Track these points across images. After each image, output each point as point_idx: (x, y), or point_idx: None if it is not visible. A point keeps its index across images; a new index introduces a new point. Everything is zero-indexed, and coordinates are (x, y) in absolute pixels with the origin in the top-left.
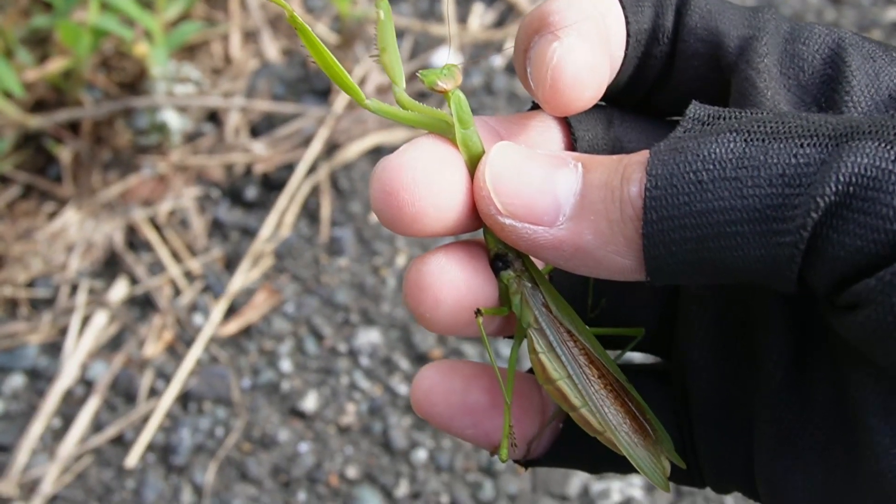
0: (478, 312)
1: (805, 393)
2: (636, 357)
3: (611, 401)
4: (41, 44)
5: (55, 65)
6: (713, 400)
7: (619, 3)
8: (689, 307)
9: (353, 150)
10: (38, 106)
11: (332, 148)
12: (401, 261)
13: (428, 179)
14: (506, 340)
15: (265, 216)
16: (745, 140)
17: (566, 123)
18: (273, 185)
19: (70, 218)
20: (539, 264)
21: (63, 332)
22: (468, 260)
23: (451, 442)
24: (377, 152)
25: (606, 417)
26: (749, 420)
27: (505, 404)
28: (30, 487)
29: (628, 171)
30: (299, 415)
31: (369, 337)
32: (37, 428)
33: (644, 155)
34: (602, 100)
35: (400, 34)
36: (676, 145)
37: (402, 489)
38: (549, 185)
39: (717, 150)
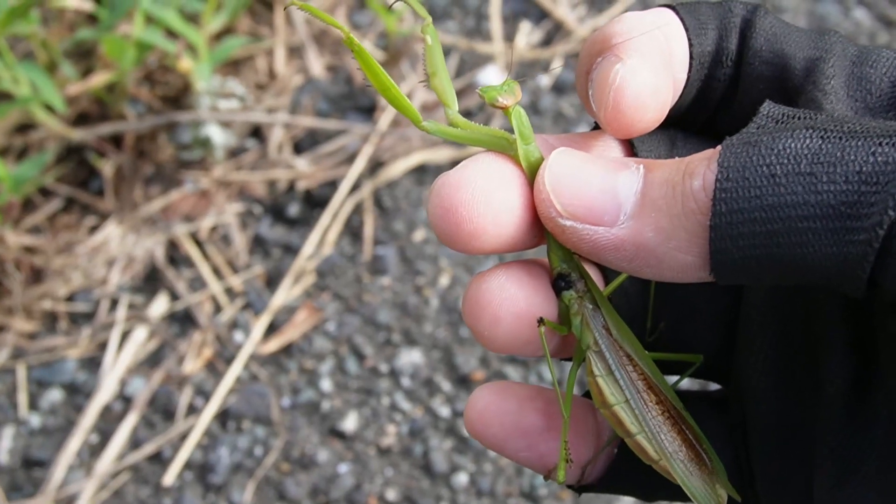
0: (540, 322)
1: (866, 419)
2: (692, 384)
3: (668, 428)
4: (85, 57)
5: (99, 78)
6: (772, 427)
7: (683, 26)
8: (749, 331)
9: (397, 168)
10: (82, 119)
11: (375, 165)
12: (444, 281)
13: (487, 196)
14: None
15: (308, 233)
16: (822, 137)
17: (629, 144)
18: (316, 202)
19: (111, 232)
20: (600, 285)
21: (102, 346)
22: (528, 278)
23: (493, 466)
24: (421, 171)
25: (663, 444)
26: (809, 448)
27: (563, 422)
28: (66, 503)
29: (691, 167)
30: (339, 435)
31: (411, 357)
32: (74, 443)
33: (709, 152)
34: (665, 122)
35: (446, 52)
36: (750, 139)
37: None
38: (609, 185)
39: (793, 145)
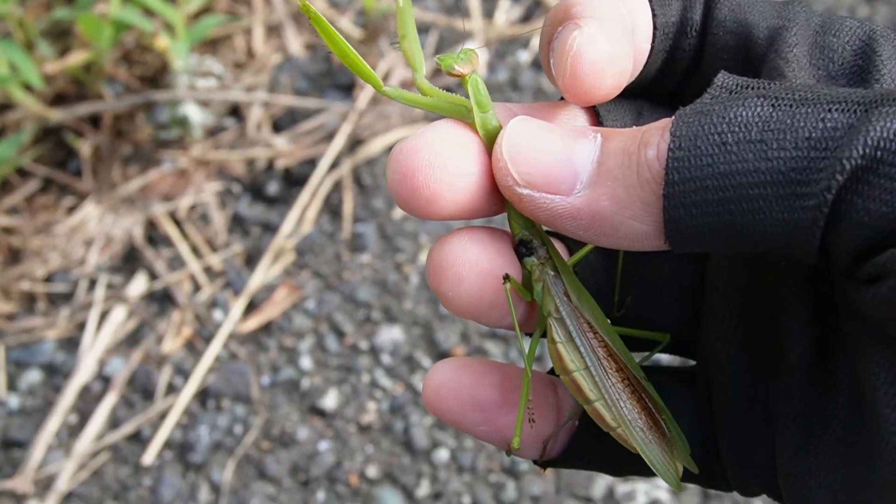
0: (506, 278)
1: (828, 386)
2: (661, 359)
3: (627, 395)
4: (62, 36)
5: (76, 58)
6: (736, 397)
7: None
8: (713, 302)
9: (376, 146)
10: (59, 99)
11: (355, 143)
12: (424, 257)
13: (443, 162)
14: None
15: (287, 212)
16: (773, 105)
17: (595, 114)
18: (295, 180)
19: (89, 212)
20: (565, 255)
21: (81, 327)
22: (492, 241)
23: (474, 442)
24: None
25: (622, 412)
26: (772, 418)
27: (522, 390)
28: (45, 484)
29: (647, 136)
30: (319, 413)
31: (391, 334)
32: (53, 424)
33: (665, 122)
34: (631, 92)
35: (425, 29)
36: (702, 108)
37: (424, 489)
38: (566, 154)
39: (744, 113)
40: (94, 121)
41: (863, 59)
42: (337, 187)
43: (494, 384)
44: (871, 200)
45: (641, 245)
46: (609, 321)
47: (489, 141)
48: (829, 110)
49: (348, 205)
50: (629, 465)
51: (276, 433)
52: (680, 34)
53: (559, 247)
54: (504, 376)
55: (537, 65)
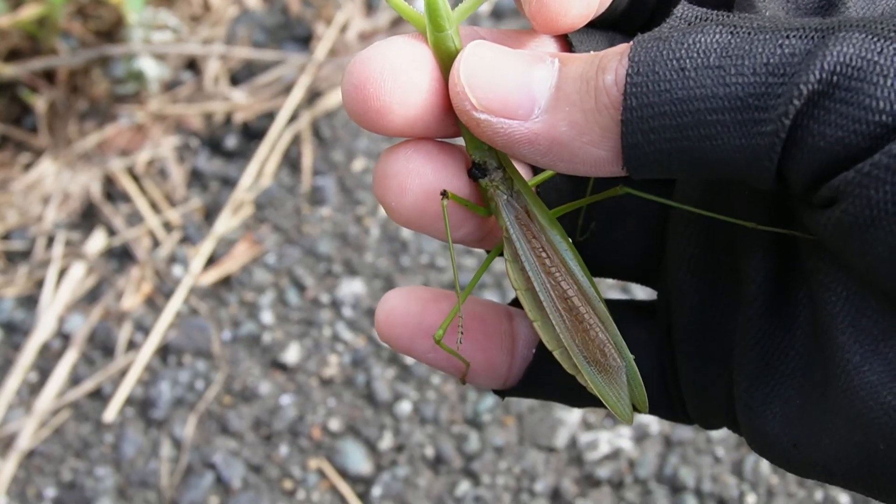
0: (444, 194)
1: (785, 317)
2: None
3: (571, 319)
4: None
5: (29, 11)
6: (696, 328)
7: None
8: (676, 231)
9: (335, 98)
10: (13, 55)
11: (313, 96)
12: (384, 210)
13: (395, 74)
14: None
15: (245, 166)
16: (731, 32)
17: (567, 44)
18: (253, 133)
19: (46, 169)
20: (526, 176)
21: (39, 284)
22: (440, 155)
23: (436, 393)
24: None
25: (563, 335)
26: (731, 349)
27: (456, 292)
28: (6, 442)
29: (604, 62)
30: (281, 367)
31: (352, 287)
32: (13, 382)
33: (623, 47)
34: (603, 25)
35: None
36: (661, 34)
37: (387, 442)
38: (524, 79)
39: (703, 39)
40: (49, 76)
41: None
42: (296, 140)
43: (442, 311)
44: (827, 125)
45: (600, 171)
46: (572, 245)
47: (445, 62)
48: (787, 37)
49: (307, 158)
50: (586, 396)
51: (237, 388)
52: None
53: (523, 168)
54: (452, 304)
55: (496, 15)
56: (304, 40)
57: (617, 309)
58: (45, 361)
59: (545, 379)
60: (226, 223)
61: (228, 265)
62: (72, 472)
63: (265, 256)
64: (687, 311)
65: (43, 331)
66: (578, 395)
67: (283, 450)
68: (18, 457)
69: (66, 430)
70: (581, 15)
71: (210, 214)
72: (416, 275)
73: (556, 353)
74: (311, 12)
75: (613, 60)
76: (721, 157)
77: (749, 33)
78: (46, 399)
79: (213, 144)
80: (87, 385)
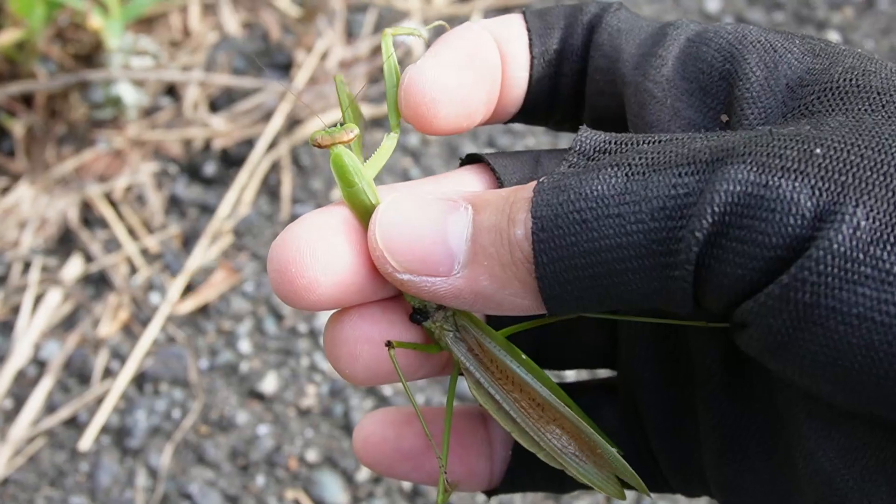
0: (388, 345)
1: (742, 396)
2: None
3: (549, 426)
4: None
5: (8, 36)
6: (661, 410)
7: (526, 28)
8: (626, 323)
9: (314, 126)
10: None
11: (293, 123)
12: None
13: (313, 248)
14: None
15: (224, 193)
16: (626, 174)
17: (490, 171)
18: (232, 160)
19: (23, 193)
20: None
21: (15, 310)
22: (382, 313)
23: None
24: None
25: (549, 444)
26: (697, 425)
27: (444, 446)
28: None
29: (514, 212)
30: (258, 396)
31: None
32: None
33: (529, 192)
34: (525, 119)
35: (363, 8)
36: (559, 183)
37: (364, 473)
38: (440, 234)
39: (599, 188)
40: (27, 100)
41: (731, 64)
42: (275, 168)
43: (417, 433)
44: (727, 264)
45: (528, 313)
46: (528, 360)
47: (363, 216)
48: (680, 174)
49: (287, 186)
50: (570, 482)
51: (214, 417)
52: (562, 60)
53: None
54: (428, 422)
55: None
56: (285, 67)
57: (586, 393)
58: (20, 388)
59: (528, 473)
60: (204, 251)
61: (206, 293)
62: (46, 500)
63: (243, 285)
64: (651, 397)
65: (18, 357)
66: (562, 482)
67: (260, 480)
68: None
69: (41, 459)
70: (456, 114)
71: (188, 241)
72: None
73: (540, 456)
74: (292, 39)
75: (522, 211)
76: (638, 297)
77: (643, 173)
78: (21, 427)
79: (192, 171)
80: (63, 413)
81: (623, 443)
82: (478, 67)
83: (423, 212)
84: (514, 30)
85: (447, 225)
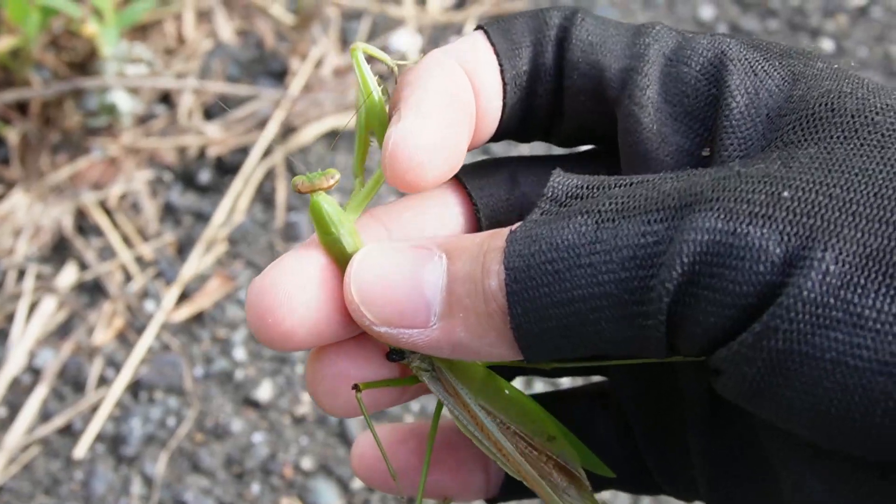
0: (356, 388)
1: (730, 424)
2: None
3: (529, 458)
4: None
5: (2, 43)
6: (652, 428)
7: (494, 51)
8: None
9: (309, 133)
10: None
11: (287, 131)
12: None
13: (290, 296)
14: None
15: (219, 200)
16: (596, 222)
17: (466, 192)
18: (227, 168)
19: (17, 201)
20: None
21: (9, 318)
22: (359, 350)
23: None
24: (334, 135)
25: (529, 474)
26: (688, 446)
27: (424, 463)
28: None
29: (487, 262)
30: (253, 404)
31: None
32: None
33: (502, 241)
34: (499, 140)
35: (357, 15)
36: (531, 232)
37: (359, 481)
38: (415, 286)
39: (570, 237)
40: (22, 108)
41: (715, 87)
42: (270, 176)
43: (412, 450)
44: (699, 313)
45: (508, 360)
46: (509, 394)
47: (340, 263)
48: (649, 222)
49: (281, 193)
50: None
51: (209, 425)
52: (534, 80)
53: None
54: (421, 439)
55: None
56: (279, 75)
57: (580, 399)
58: (15, 396)
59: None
60: (199, 258)
61: (201, 301)
62: None
63: (238, 293)
64: (641, 414)
65: (13, 365)
66: None
67: (255, 488)
68: None
69: (36, 467)
70: (440, 174)
71: (183, 249)
72: None
73: (526, 484)
74: (286, 47)
75: (495, 262)
76: (613, 345)
77: (613, 220)
78: (16, 435)
79: (187, 179)
80: (58, 421)
81: (616, 451)
82: (457, 111)
83: (397, 263)
84: (480, 54)
85: (422, 275)
